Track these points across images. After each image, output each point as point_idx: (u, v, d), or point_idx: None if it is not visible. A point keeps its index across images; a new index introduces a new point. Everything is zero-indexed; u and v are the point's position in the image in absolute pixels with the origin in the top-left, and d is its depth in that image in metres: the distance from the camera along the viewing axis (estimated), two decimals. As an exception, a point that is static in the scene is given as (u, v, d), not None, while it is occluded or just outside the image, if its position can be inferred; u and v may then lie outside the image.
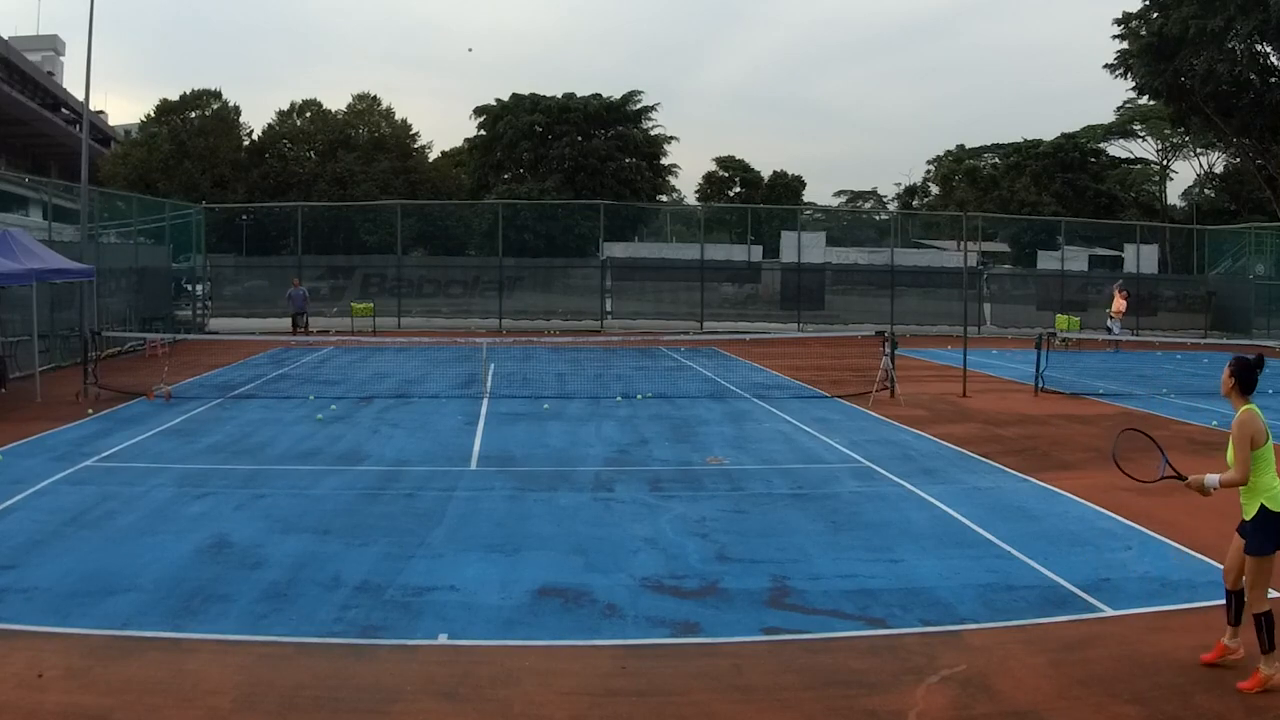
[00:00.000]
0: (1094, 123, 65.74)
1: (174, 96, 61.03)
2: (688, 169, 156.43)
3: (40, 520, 10.15)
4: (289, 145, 62.03)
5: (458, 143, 71.09)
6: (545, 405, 18.60)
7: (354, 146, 60.68)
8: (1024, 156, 64.61)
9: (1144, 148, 65.81)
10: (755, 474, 12.91)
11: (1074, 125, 70.82)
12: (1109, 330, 32.51)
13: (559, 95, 59.79)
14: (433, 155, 67.48)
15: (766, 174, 70.37)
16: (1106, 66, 52.31)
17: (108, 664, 6.77)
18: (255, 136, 62.67)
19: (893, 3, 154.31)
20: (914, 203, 76.58)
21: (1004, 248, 54.50)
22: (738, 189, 69.71)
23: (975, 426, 17.05)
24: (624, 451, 14.36)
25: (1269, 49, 47.10)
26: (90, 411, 17.13)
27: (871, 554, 9.44)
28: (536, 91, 60.50)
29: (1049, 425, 17.33)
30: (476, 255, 48.59)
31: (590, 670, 6.84)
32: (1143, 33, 49.04)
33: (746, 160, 70.78)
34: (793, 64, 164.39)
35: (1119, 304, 32.32)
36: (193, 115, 59.83)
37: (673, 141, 63.64)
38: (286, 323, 32.89)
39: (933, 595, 8.32)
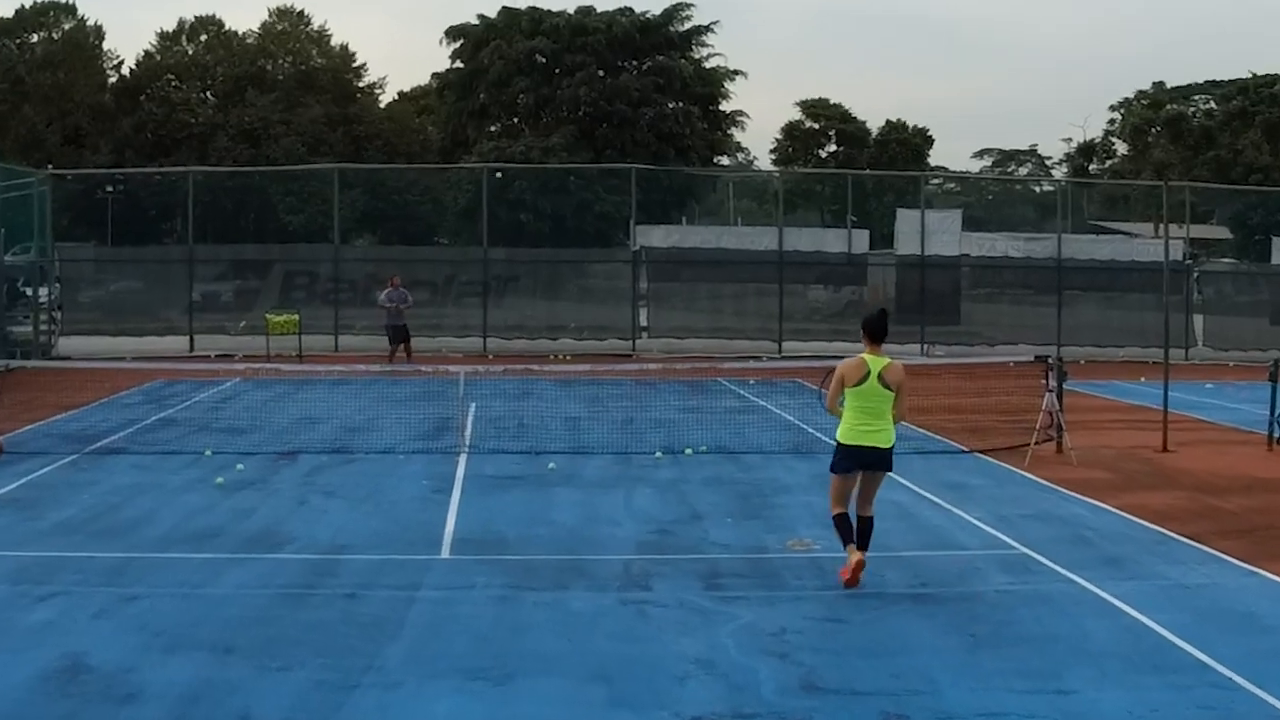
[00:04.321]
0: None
1: (6, 12, 61.72)
2: (759, 118, 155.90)
3: None
4: (176, 83, 62.64)
5: (423, 79, 71.86)
6: (551, 465, 18.68)
7: (271, 85, 61.24)
8: (1252, 100, 64.35)
9: None
10: (857, 566, 12.90)
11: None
12: None
13: (570, 11, 59.97)
14: (386, 98, 68.19)
15: (875, 126, 70.51)
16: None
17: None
18: (127, 71, 63.41)
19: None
20: (1091, 167, 76.37)
21: (1223, 233, 54.24)
22: (833, 147, 69.86)
23: (1181, 495, 16.97)
24: (666, 532, 14.39)
25: None
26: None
27: (1029, 682, 9.41)
28: (536, 5, 60.69)
29: (1293, 495, 17.24)
30: (450, 244, 48.88)
31: None
32: None
33: (845, 106, 70.98)
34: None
35: None
36: (34, 39, 60.42)
37: (738, 78, 64.10)
38: (170, 342, 32.86)
39: (1121, 745, 8.29)
